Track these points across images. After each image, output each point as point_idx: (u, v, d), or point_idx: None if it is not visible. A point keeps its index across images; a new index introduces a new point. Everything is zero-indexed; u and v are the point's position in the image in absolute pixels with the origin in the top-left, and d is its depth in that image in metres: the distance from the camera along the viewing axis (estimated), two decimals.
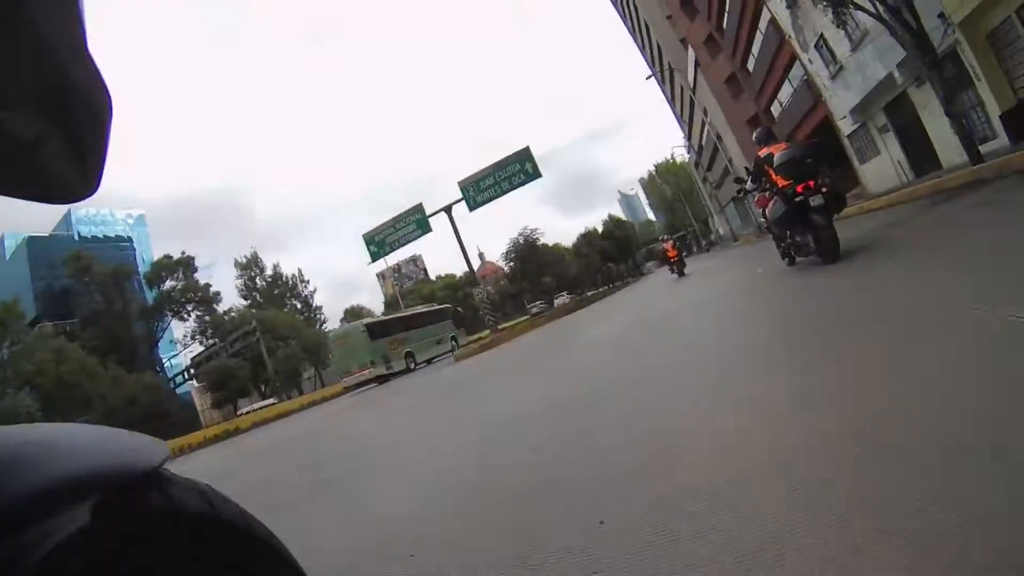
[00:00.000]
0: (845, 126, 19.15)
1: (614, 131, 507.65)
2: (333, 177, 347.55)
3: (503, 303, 61.06)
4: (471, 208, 24.26)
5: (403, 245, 27.21)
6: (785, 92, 24.46)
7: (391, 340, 25.39)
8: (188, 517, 0.50)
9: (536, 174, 22.83)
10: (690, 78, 42.61)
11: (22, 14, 0.35)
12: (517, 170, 23.02)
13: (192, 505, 0.51)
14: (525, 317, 37.45)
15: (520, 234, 43.62)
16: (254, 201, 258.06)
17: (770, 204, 6.05)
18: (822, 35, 17.18)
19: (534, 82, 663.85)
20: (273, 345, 50.66)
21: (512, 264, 44.17)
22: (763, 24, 22.44)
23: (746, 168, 6.87)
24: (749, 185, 6.51)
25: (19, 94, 0.38)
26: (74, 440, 0.46)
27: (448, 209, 24.89)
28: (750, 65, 28.84)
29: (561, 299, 50.26)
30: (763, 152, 5.99)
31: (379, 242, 26.70)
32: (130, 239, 78.28)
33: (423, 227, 25.89)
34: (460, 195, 24.32)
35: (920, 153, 15.69)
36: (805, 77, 20.43)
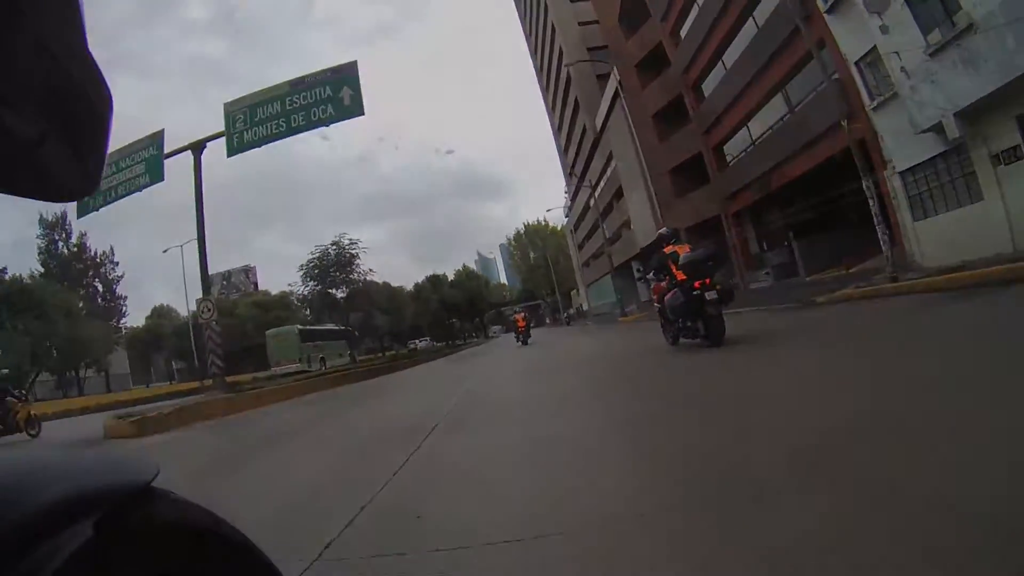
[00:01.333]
0: (902, 157, 11.28)
1: (493, 191, 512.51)
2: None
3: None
4: (232, 150, 13.11)
5: (124, 196, 15.90)
6: (767, 115, 16.85)
7: (314, 344, 29.60)
8: (180, 530, 0.51)
9: (357, 109, 12.33)
10: (600, 117, 36.08)
11: (22, 13, 0.35)
12: (326, 96, 12.31)
13: (183, 519, 0.51)
14: (293, 379, 20.15)
15: (332, 243, 27.52)
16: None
17: (669, 294, 6.73)
18: None
19: (415, 119, 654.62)
20: (28, 327, 35.12)
21: (312, 286, 27.79)
22: None
23: (644, 249, 9.63)
24: (651, 276, 7.54)
25: (19, 93, 0.38)
26: (69, 460, 0.47)
27: (197, 147, 13.54)
28: (707, 86, 21.55)
29: (424, 343, 52.63)
30: (668, 250, 6.93)
31: None
32: None
33: (153, 173, 14.84)
34: (223, 126, 13.21)
35: None
36: (835, 75, 12.51)
